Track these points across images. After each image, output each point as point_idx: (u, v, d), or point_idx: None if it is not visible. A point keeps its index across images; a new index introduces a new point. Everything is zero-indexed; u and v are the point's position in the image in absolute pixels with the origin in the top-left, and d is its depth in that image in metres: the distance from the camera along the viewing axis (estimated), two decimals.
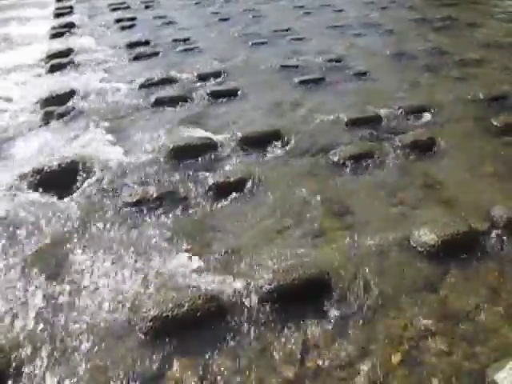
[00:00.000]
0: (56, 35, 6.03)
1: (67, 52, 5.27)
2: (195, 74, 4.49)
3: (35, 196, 2.80)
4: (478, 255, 2.25)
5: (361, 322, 1.93)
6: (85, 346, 1.86)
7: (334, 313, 1.96)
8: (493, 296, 2.03)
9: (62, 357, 1.82)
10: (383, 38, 5.47)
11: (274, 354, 1.81)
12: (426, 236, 2.29)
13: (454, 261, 2.21)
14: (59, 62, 4.95)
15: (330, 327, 1.91)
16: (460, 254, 2.24)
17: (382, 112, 3.62)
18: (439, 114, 3.61)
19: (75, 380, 1.74)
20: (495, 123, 3.45)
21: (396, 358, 1.77)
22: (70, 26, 6.37)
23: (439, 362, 1.75)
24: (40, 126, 3.65)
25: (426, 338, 1.85)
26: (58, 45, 5.59)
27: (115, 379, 1.74)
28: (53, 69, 4.81)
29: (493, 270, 2.17)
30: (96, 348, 1.86)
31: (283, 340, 1.86)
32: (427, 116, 3.59)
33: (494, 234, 2.36)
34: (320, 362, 1.77)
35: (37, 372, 1.76)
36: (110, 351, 1.85)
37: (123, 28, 6.23)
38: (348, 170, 2.96)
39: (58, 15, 7.00)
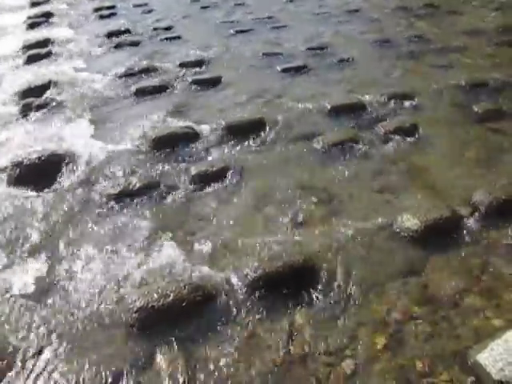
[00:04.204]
0: (33, 25, 5.88)
1: (45, 42, 5.15)
2: (177, 63, 4.43)
3: (15, 190, 2.74)
4: (460, 239, 2.28)
5: (346, 307, 1.94)
6: (70, 337, 1.85)
7: (319, 299, 1.98)
8: (474, 279, 2.06)
9: (47, 349, 1.80)
10: (366, 26, 5.46)
11: (261, 340, 1.82)
12: (409, 221, 2.31)
13: (437, 245, 2.23)
14: (37, 52, 4.83)
15: (316, 313, 1.92)
16: (443, 239, 2.27)
17: (366, 99, 3.62)
18: (422, 101, 3.63)
19: (62, 371, 1.72)
20: (476, 109, 3.48)
21: (381, 342, 1.79)
22: (48, 15, 6.22)
23: (423, 345, 1.78)
24: (18, 119, 3.57)
25: (410, 322, 1.87)
26: (36, 35, 5.45)
27: (102, 370, 1.72)
28: (30, 60, 4.70)
29: (475, 254, 2.20)
30: (82, 339, 1.84)
31: (270, 327, 1.87)
32: (410, 103, 3.60)
33: (476, 218, 2.39)
34: (306, 348, 1.78)
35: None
36: (96, 343, 1.83)
37: (102, 17, 6.10)
38: (331, 157, 2.96)
39: (34, 4, 6.82)
